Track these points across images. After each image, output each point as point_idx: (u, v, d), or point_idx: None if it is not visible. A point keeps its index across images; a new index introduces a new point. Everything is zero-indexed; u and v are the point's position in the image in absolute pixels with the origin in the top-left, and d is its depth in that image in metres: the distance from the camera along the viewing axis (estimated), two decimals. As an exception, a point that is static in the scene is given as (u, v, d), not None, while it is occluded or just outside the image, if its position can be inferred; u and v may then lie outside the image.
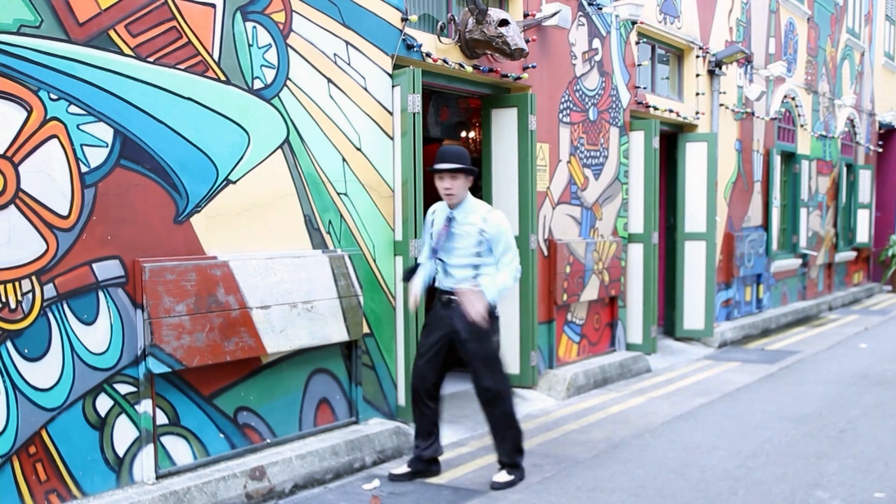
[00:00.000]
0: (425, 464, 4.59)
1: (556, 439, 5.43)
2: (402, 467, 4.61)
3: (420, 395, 4.56)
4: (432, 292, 4.67)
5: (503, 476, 4.46)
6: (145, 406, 4.00)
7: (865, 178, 14.83)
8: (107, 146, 3.83)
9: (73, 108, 3.70)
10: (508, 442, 4.49)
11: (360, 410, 5.14)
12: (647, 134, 7.96)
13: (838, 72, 13.55)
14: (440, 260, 4.53)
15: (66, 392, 3.71)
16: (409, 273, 4.69)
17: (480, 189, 6.65)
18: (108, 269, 3.84)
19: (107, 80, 3.83)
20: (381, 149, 5.28)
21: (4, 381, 3.49)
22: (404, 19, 5.40)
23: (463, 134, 10.19)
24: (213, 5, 4.29)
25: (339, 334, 4.91)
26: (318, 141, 4.86)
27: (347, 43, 5.03)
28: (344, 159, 5.03)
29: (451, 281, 4.47)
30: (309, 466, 4.49)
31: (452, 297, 4.43)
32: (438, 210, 4.61)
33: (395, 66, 5.35)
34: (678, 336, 9.09)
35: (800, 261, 12.16)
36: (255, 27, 4.49)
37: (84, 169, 3.74)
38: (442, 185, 4.45)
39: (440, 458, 4.68)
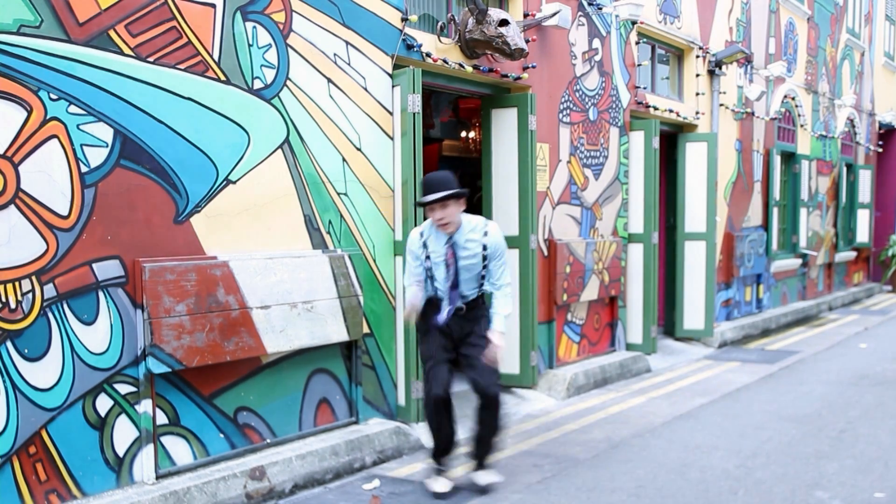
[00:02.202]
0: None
1: (556, 439, 5.43)
2: (444, 484, 4.40)
3: (446, 404, 4.28)
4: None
5: (491, 476, 4.48)
6: (145, 406, 4.01)
7: (865, 178, 14.83)
8: (107, 146, 3.83)
9: (73, 108, 3.70)
10: (493, 446, 4.48)
11: (360, 410, 5.15)
12: (647, 134, 7.96)
13: (838, 72, 13.55)
14: (451, 287, 4.31)
15: (66, 392, 3.71)
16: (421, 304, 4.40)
17: (481, 189, 6.66)
18: (108, 269, 3.85)
19: (107, 80, 3.83)
20: (381, 149, 5.28)
21: (4, 381, 3.50)
22: (404, 19, 5.40)
23: (463, 134, 10.23)
24: (213, 5, 4.29)
25: (339, 334, 4.91)
26: (318, 141, 4.86)
27: (347, 43, 5.03)
28: (344, 159, 5.03)
29: (461, 300, 4.35)
30: (309, 466, 4.49)
31: (462, 308, 4.33)
32: (431, 237, 4.30)
33: (395, 66, 5.35)
34: (678, 336, 9.09)
35: (800, 261, 12.16)
36: (255, 27, 4.49)
37: (84, 169, 3.75)
38: (434, 216, 4.19)
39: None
